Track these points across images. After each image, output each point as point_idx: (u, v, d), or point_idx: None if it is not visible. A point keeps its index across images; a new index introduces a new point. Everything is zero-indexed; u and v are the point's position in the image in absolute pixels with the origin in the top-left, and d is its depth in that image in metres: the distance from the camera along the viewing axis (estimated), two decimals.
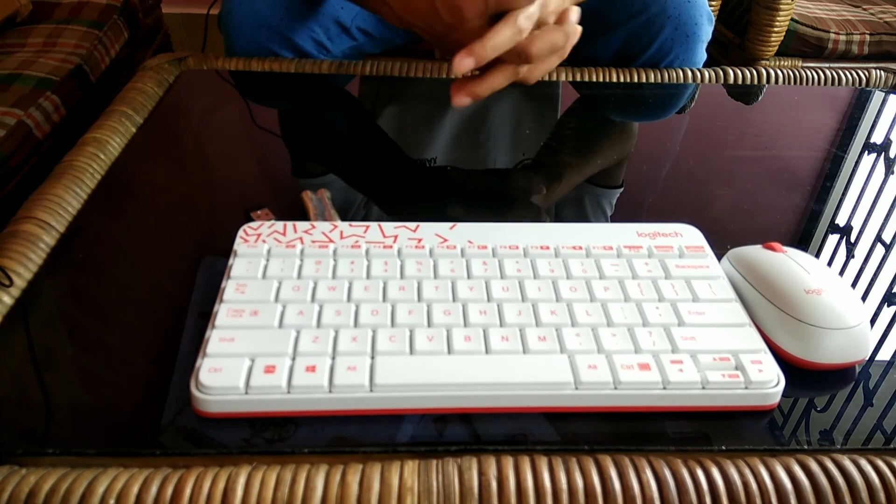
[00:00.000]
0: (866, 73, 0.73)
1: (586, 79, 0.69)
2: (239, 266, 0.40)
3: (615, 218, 0.52)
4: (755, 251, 0.42)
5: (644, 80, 0.70)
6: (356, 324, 0.36)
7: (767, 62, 1.26)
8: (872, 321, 0.41)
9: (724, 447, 0.33)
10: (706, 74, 0.70)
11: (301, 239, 0.42)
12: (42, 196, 0.46)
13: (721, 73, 0.71)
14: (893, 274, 0.46)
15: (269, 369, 0.33)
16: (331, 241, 0.42)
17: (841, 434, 0.34)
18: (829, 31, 1.25)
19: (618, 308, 0.38)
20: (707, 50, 0.74)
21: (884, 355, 0.39)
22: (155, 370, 0.36)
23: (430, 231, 0.43)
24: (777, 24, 1.21)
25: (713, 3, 1.18)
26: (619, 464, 0.30)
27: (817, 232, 0.50)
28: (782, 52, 1.27)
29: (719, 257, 0.43)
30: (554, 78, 0.69)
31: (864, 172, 0.58)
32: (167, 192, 0.52)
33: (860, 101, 0.70)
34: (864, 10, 1.34)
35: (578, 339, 0.36)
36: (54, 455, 0.31)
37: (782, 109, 0.69)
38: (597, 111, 0.69)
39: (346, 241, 0.42)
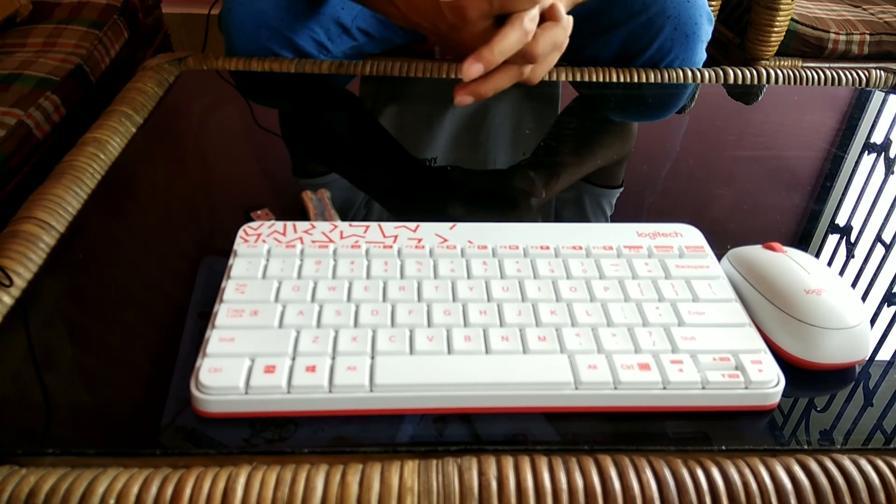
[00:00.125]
0: (866, 73, 0.73)
1: (586, 79, 0.69)
2: (239, 266, 0.40)
3: (615, 218, 0.52)
4: (755, 251, 0.42)
5: (644, 80, 0.70)
6: (356, 324, 0.36)
7: (767, 62, 1.26)
8: (872, 321, 0.41)
9: (724, 447, 0.33)
10: (706, 74, 0.70)
11: (301, 239, 0.42)
12: (42, 196, 0.46)
13: (721, 73, 0.71)
14: (893, 274, 0.46)
15: (269, 369, 0.33)
16: (331, 241, 0.42)
17: (841, 434, 0.34)
18: (829, 31, 1.25)
19: (618, 308, 0.38)
20: (707, 50, 0.74)
21: (884, 355, 0.39)
22: (155, 370, 0.36)
23: (430, 231, 0.43)
24: (777, 24, 1.21)
25: (713, 3, 1.18)
26: (619, 464, 0.30)
27: (817, 232, 0.50)
28: (782, 52, 1.27)
29: (719, 257, 0.43)
30: (554, 78, 0.69)
31: (864, 172, 0.58)
32: (167, 192, 0.52)
33: (860, 101, 0.70)
34: (864, 10, 1.34)
35: (578, 339, 0.36)
36: (54, 455, 0.31)
37: (782, 109, 0.69)
38: (597, 111, 0.69)
39: (346, 241, 0.42)
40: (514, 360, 0.35)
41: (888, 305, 0.43)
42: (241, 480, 0.28)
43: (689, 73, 0.71)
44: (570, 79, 0.69)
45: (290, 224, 0.43)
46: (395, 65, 0.70)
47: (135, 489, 0.28)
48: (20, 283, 0.40)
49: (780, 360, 0.36)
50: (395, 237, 0.43)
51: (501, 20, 0.49)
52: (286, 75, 0.68)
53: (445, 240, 0.43)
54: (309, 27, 0.72)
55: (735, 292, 0.40)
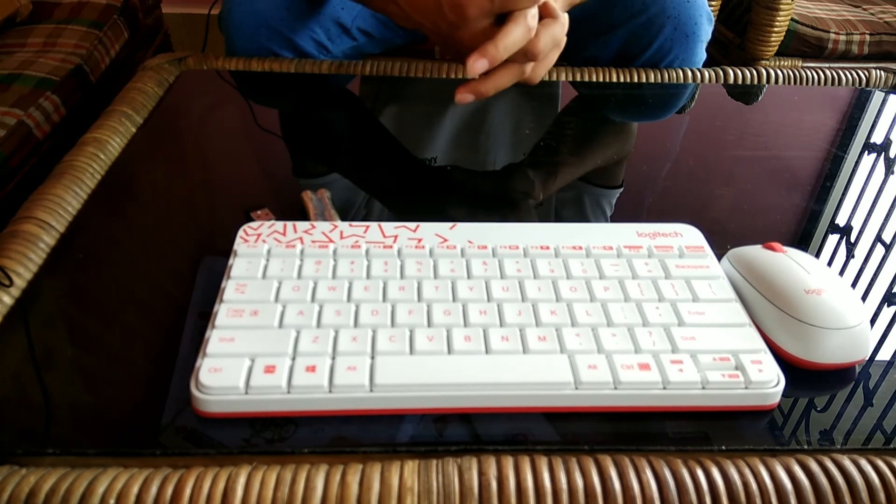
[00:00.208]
0: (866, 73, 0.73)
1: (586, 79, 0.69)
2: (239, 266, 0.40)
3: (615, 218, 0.52)
4: (755, 251, 0.42)
5: (644, 80, 0.70)
6: (356, 324, 0.36)
7: (767, 62, 1.26)
8: (872, 321, 0.41)
9: (724, 447, 0.33)
10: (706, 74, 0.70)
11: (301, 239, 0.42)
12: (42, 196, 0.46)
13: (721, 73, 0.71)
14: (893, 274, 0.46)
15: (269, 369, 0.33)
16: (331, 241, 0.42)
17: (841, 434, 0.34)
18: (829, 31, 1.25)
19: (618, 308, 0.38)
20: (707, 50, 0.74)
21: (884, 355, 0.39)
22: (155, 370, 0.36)
23: (430, 231, 0.43)
24: (777, 24, 1.21)
25: (713, 3, 1.18)
26: (619, 464, 0.30)
27: (817, 232, 0.50)
28: (782, 52, 1.27)
29: (719, 257, 0.43)
30: (554, 78, 0.69)
31: (864, 172, 0.58)
32: (167, 192, 0.52)
33: (860, 101, 0.70)
34: (864, 10, 1.34)
35: (578, 339, 0.36)
36: (54, 455, 0.31)
37: (782, 109, 0.69)
38: (596, 111, 0.69)
39: (346, 241, 0.42)
40: (514, 360, 0.35)
41: (888, 305, 0.43)
42: (241, 480, 0.28)
43: (689, 73, 0.71)
44: (570, 79, 0.69)
45: (290, 224, 0.43)
46: (395, 65, 0.70)
47: (135, 489, 0.28)
48: (20, 283, 0.40)
49: (780, 360, 0.36)
50: (395, 237, 0.43)
51: (500, 20, 0.49)
52: (286, 75, 0.68)
53: (445, 240, 0.43)
54: (309, 27, 0.72)
55: (735, 292, 0.40)
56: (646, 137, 0.65)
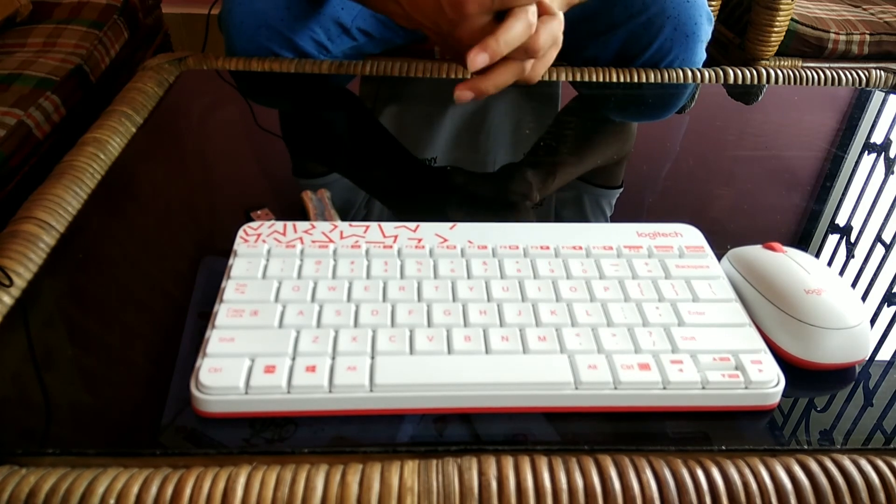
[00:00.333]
0: (866, 73, 0.73)
1: (586, 79, 0.69)
2: (239, 266, 0.40)
3: (615, 218, 0.52)
4: (755, 251, 0.42)
5: (644, 80, 0.70)
6: (356, 324, 0.36)
7: (767, 62, 1.26)
8: (872, 321, 0.41)
9: (724, 447, 0.33)
10: (706, 74, 0.70)
11: (301, 239, 0.42)
12: (42, 196, 0.46)
13: (721, 73, 0.71)
14: (893, 274, 0.46)
15: (269, 369, 0.33)
16: (331, 241, 0.42)
17: (841, 434, 0.34)
18: (829, 31, 1.25)
19: (618, 308, 0.38)
20: (707, 50, 0.74)
21: (884, 355, 0.39)
22: (155, 370, 0.36)
23: (430, 231, 0.43)
24: (777, 24, 1.21)
25: (713, 3, 1.18)
26: (619, 464, 0.30)
27: (817, 232, 0.50)
28: (782, 52, 1.27)
29: (719, 257, 0.43)
30: (554, 78, 0.69)
31: (864, 172, 0.58)
32: (167, 192, 0.52)
33: (860, 101, 0.70)
34: (864, 10, 1.34)
35: (578, 339, 0.36)
36: (54, 455, 0.31)
37: (782, 109, 0.69)
38: (596, 111, 0.69)
39: (346, 241, 0.42)
40: (514, 360, 0.35)
41: (888, 305, 0.43)
42: (241, 480, 0.28)
43: (689, 73, 0.71)
44: (570, 79, 0.69)
45: (290, 224, 0.43)
46: (395, 65, 0.70)
47: (135, 489, 0.28)
48: (20, 283, 0.40)
49: (780, 360, 0.36)
50: (395, 237, 0.43)
51: (499, 19, 0.49)
52: (286, 75, 0.68)
53: (445, 240, 0.43)
54: (309, 27, 0.72)
55: (735, 292, 0.40)
56: (646, 137, 0.65)
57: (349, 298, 0.38)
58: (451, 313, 0.37)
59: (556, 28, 0.50)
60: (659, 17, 0.71)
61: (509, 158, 0.60)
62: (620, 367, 0.34)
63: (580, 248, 0.43)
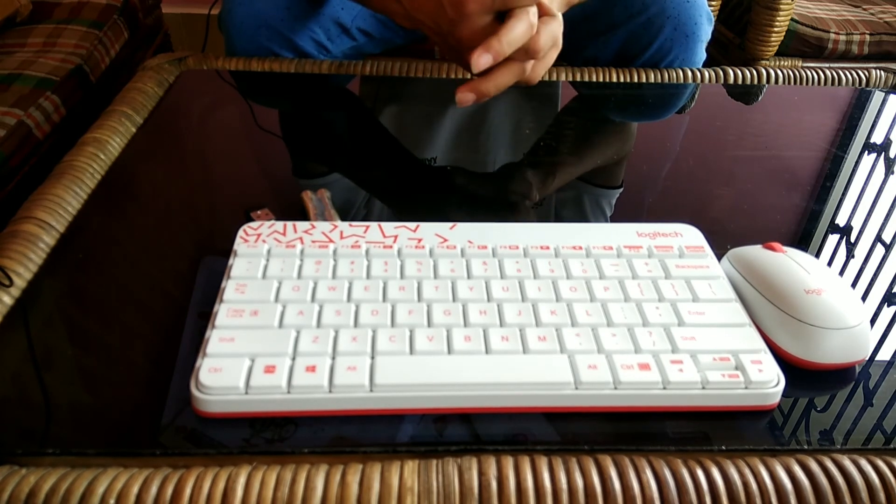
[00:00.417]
0: (866, 73, 0.73)
1: (586, 79, 0.69)
2: (239, 266, 0.40)
3: (615, 218, 0.52)
4: (755, 251, 0.42)
5: (644, 80, 0.70)
6: (356, 324, 0.36)
7: (767, 62, 1.26)
8: (872, 321, 0.41)
9: (724, 447, 0.33)
10: (706, 74, 0.70)
11: (301, 239, 0.42)
12: (42, 196, 0.46)
13: (721, 73, 0.71)
14: (893, 274, 0.46)
15: (269, 369, 0.33)
16: (331, 241, 0.42)
17: (841, 434, 0.34)
18: (829, 31, 1.25)
19: (618, 308, 0.38)
20: (707, 50, 0.74)
21: (884, 355, 0.39)
22: (155, 370, 0.36)
23: (430, 231, 0.43)
24: (777, 24, 1.21)
25: (713, 3, 1.18)
26: (619, 464, 0.30)
27: (817, 232, 0.50)
28: (782, 52, 1.27)
29: (719, 257, 0.43)
30: (554, 78, 0.69)
31: (864, 172, 0.58)
32: (167, 192, 0.52)
33: (860, 101, 0.70)
34: (864, 10, 1.34)
35: (578, 339, 0.36)
36: (54, 455, 0.31)
37: (782, 109, 0.69)
38: (596, 111, 0.69)
39: (346, 241, 0.42)
40: (514, 360, 0.35)
41: (888, 305, 0.43)
42: (241, 480, 0.28)
43: (689, 73, 0.71)
44: (570, 79, 0.69)
45: (290, 224, 0.43)
46: (395, 65, 0.70)
47: (135, 489, 0.28)
48: (20, 283, 0.40)
49: (780, 360, 0.36)
50: (395, 237, 0.43)
51: (499, 19, 0.49)
52: (286, 75, 0.68)
53: (445, 240, 0.43)
54: (309, 27, 0.72)
55: (735, 292, 0.40)
56: (646, 137, 0.65)
57: (349, 298, 0.38)
58: (451, 313, 0.37)
59: (556, 29, 0.50)
60: (659, 17, 0.71)
61: (509, 158, 0.60)
62: (620, 367, 0.34)
63: (580, 248, 0.42)
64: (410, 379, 0.33)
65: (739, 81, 0.71)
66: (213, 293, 0.38)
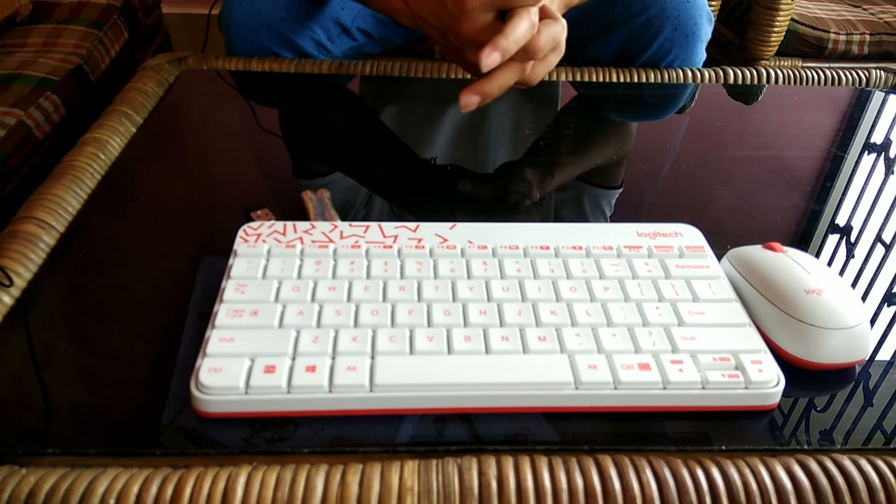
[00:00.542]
0: (866, 73, 0.73)
1: (586, 79, 0.69)
2: (239, 266, 0.40)
3: (615, 218, 0.52)
4: (755, 251, 0.42)
5: (644, 80, 0.70)
6: (356, 324, 0.36)
7: (767, 62, 1.26)
8: (872, 321, 0.41)
9: (724, 447, 0.33)
10: (706, 74, 0.70)
11: (301, 239, 0.42)
12: (42, 196, 0.46)
13: (721, 73, 0.71)
14: (893, 274, 0.46)
15: (269, 369, 0.33)
16: (331, 241, 0.42)
17: (841, 434, 0.34)
18: (829, 31, 1.25)
19: (618, 308, 0.38)
20: (707, 50, 0.74)
21: (884, 355, 0.39)
22: (155, 370, 0.36)
23: (430, 231, 0.43)
24: (777, 24, 1.21)
25: (713, 3, 1.18)
26: (619, 464, 0.30)
27: (817, 232, 0.50)
28: (782, 52, 1.27)
29: (719, 257, 0.43)
30: (554, 78, 0.69)
31: (864, 172, 0.58)
32: (167, 192, 0.52)
33: (860, 101, 0.70)
34: (864, 10, 1.34)
35: (578, 339, 0.36)
36: (54, 455, 0.31)
37: (782, 109, 0.69)
38: (596, 111, 0.69)
39: (346, 241, 0.42)
40: (514, 360, 0.35)
41: (888, 305, 0.43)
42: (241, 480, 0.28)
43: (689, 73, 0.71)
44: (570, 79, 0.69)
45: (290, 224, 0.43)
46: (395, 65, 0.70)
47: (135, 489, 0.28)
48: (20, 283, 0.40)
49: (780, 360, 0.36)
50: (395, 237, 0.43)
51: (500, 19, 0.49)
52: (286, 75, 0.68)
53: (445, 240, 0.43)
54: (309, 27, 0.72)
55: (735, 292, 0.40)
56: (646, 137, 0.65)
57: (349, 298, 0.38)
58: (451, 313, 0.37)
59: (558, 32, 0.50)
60: (659, 17, 0.71)
61: (509, 158, 0.60)
62: (620, 367, 0.34)
63: (580, 248, 0.43)
64: (410, 379, 0.33)
65: (739, 81, 0.71)
66: (213, 293, 0.38)
